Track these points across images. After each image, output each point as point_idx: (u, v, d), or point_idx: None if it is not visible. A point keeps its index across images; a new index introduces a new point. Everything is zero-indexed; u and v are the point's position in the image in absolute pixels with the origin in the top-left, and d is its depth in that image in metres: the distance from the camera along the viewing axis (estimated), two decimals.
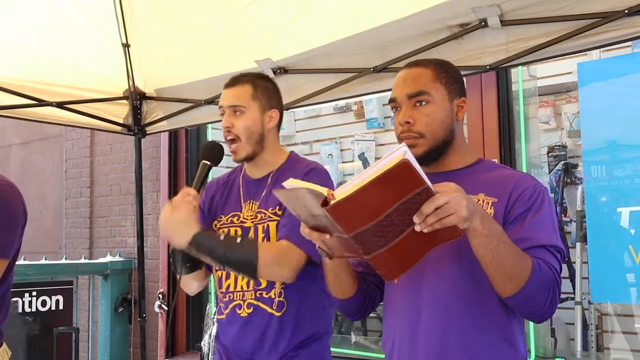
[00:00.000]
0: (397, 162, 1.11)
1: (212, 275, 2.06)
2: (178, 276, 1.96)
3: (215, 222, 2.01)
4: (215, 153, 1.95)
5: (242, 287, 1.92)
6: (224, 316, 1.97)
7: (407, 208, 1.17)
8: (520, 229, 1.40)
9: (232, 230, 1.95)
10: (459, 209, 1.19)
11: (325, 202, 1.18)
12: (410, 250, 1.25)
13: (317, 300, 1.90)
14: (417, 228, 1.18)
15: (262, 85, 1.98)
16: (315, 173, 1.90)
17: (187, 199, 1.81)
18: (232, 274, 1.93)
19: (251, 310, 1.89)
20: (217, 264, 1.83)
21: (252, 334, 1.89)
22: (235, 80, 1.98)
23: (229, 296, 1.94)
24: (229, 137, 1.93)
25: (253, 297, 1.90)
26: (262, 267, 1.77)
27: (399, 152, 1.13)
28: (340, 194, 1.16)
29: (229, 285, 1.95)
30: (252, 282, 1.90)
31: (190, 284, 2.01)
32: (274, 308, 1.88)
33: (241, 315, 1.91)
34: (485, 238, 1.28)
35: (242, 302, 1.91)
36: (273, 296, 1.88)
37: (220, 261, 1.79)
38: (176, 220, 1.78)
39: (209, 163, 1.92)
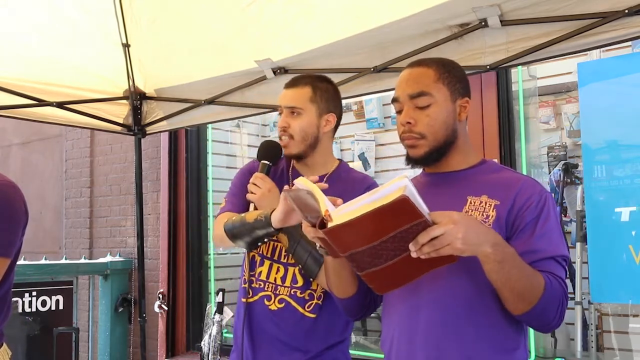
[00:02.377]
0: (396, 198, 1.11)
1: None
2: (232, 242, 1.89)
3: None
4: (273, 152, 1.95)
5: (275, 280, 1.91)
6: (246, 300, 1.93)
7: (404, 236, 1.19)
8: (530, 241, 1.40)
9: None
10: (453, 241, 1.19)
11: (322, 223, 1.23)
12: (404, 271, 1.27)
13: None
14: (413, 255, 1.20)
15: (322, 88, 1.96)
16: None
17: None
18: (267, 262, 1.92)
19: (282, 305, 1.88)
20: (288, 247, 1.83)
21: (281, 331, 1.88)
22: (296, 81, 1.96)
23: (259, 284, 1.92)
24: (283, 137, 1.92)
25: (287, 293, 1.89)
26: (322, 276, 1.77)
27: (399, 185, 1.13)
28: (337, 217, 1.19)
29: (260, 272, 1.93)
30: (288, 278, 1.89)
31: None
32: (308, 309, 1.87)
33: (270, 307, 1.89)
34: (497, 264, 1.28)
35: (272, 295, 1.90)
36: (307, 297, 1.88)
37: (292, 246, 1.81)
38: (273, 194, 1.84)
39: (268, 163, 1.93)
